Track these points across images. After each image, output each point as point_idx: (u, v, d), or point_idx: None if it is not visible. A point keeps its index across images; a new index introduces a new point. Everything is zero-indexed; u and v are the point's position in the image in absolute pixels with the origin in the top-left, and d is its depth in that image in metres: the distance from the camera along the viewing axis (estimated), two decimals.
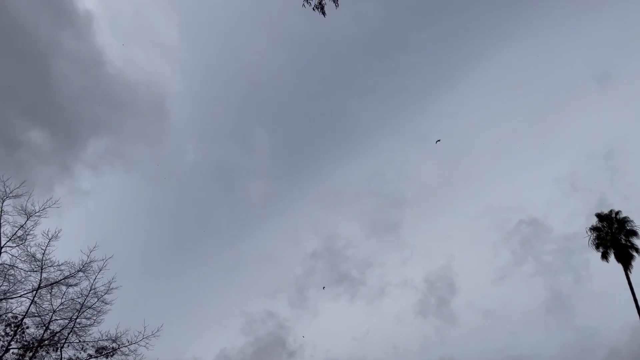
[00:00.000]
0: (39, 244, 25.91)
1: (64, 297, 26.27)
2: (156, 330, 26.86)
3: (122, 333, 26.49)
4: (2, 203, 25.35)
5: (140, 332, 26.54)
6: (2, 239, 25.32)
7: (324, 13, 18.88)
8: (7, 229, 25.54)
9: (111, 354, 26.32)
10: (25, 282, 25.68)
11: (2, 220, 25.40)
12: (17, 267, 25.58)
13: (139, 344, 26.41)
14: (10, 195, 25.46)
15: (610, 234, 61.18)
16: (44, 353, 25.74)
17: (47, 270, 25.94)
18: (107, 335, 26.40)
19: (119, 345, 26.57)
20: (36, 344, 25.38)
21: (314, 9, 18.86)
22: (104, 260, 26.69)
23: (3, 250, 25.33)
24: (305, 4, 18.71)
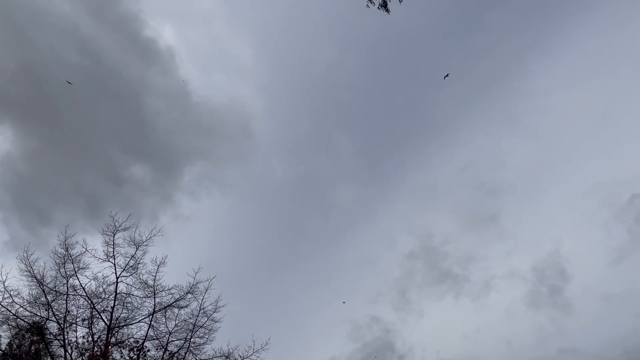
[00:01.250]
0: (149, 271, 27.74)
1: (177, 318, 27.82)
2: (265, 343, 27.64)
3: (234, 348, 27.56)
4: (114, 237, 27.44)
5: (250, 347, 27.44)
6: (117, 269, 27.35)
7: (387, 10, 18.55)
8: (121, 260, 27.56)
9: None
10: (141, 308, 27.57)
11: (115, 253, 27.47)
12: (133, 294, 27.51)
13: (250, 358, 27.30)
14: (120, 228, 27.51)
15: None
16: None
17: (160, 295, 27.65)
18: (220, 352, 27.55)
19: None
20: None
21: (378, 8, 18.60)
22: (209, 281, 28.06)
23: (119, 280, 27.31)
24: (370, 4, 18.49)
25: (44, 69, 73.37)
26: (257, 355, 27.44)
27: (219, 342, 28.12)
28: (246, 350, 27.43)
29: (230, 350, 27.46)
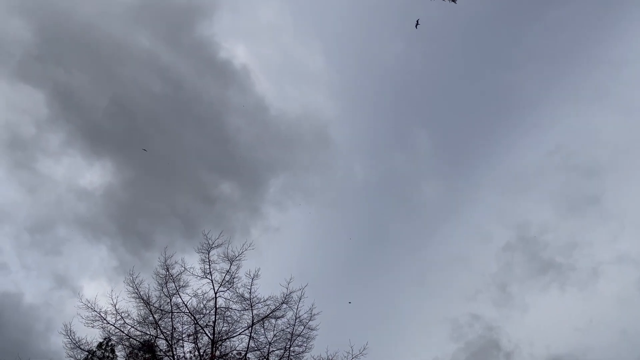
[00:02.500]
0: (244, 285, 28.68)
1: (275, 329, 28.50)
2: (363, 348, 27.63)
3: (333, 355, 27.76)
4: (209, 254, 28.66)
5: (349, 352, 27.53)
6: (215, 285, 28.53)
7: (454, 0, 18.03)
8: (217, 276, 28.72)
9: None
10: (240, 321, 28.53)
11: (211, 269, 28.68)
12: (231, 308, 28.55)
13: None
14: (214, 246, 28.70)
15: None
16: None
17: (256, 307, 28.48)
18: (319, 359, 27.87)
19: None
20: None
21: (443, 0, 18.14)
22: (301, 290, 28.53)
23: (218, 295, 28.46)
24: None
25: (132, 101, 78.63)
26: None
27: (317, 349, 28.50)
28: (345, 356, 27.60)
29: (330, 357, 27.71)
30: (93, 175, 79.01)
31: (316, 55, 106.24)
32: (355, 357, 27.43)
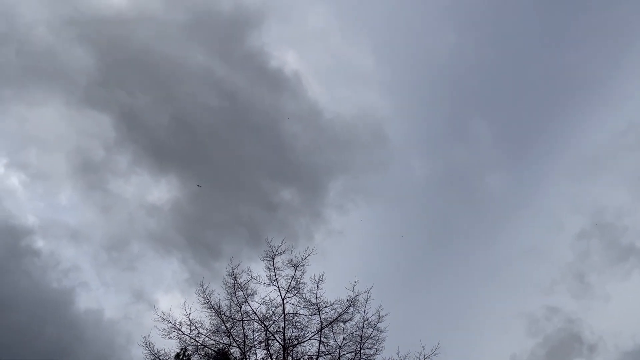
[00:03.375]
0: (310, 290, 28.93)
1: (344, 332, 28.55)
2: (434, 348, 27.19)
3: (404, 356, 27.47)
4: (273, 261, 29.16)
5: (420, 353, 27.16)
6: (282, 291, 28.97)
7: None
8: (283, 282, 29.15)
9: None
10: (309, 326, 28.81)
11: (277, 276, 29.16)
12: (299, 313, 28.88)
13: None
14: (277, 253, 29.18)
15: None
16: None
17: (324, 311, 28.66)
18: None
19: None
20: None
21: None
22: (367, 292, 28.47)
23: (285, 301, 28.88)
24: None
25: (191, 117, 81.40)
26: None
27: (388, 351, 28.29)
28: (416, 357, 27.24)
29: (401, 358, 27.46)
30: (160, 191, 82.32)
31: (366, 55, 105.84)
32: (427, 357, 27.06)
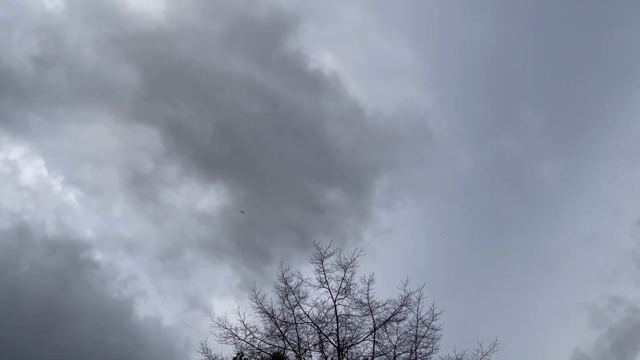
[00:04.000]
0: (361, 290, 28.86)
1: (398, 332, 28.29)
2: (492, 345, 26.54)
3: (462, 354, 26.98)
4: (322, 263, 29.24)
5: (478, 350, 26.57)
6: (333, 293, 29.00)
7: None
8: (333, 284, 29.17)
9: None
10: (362, 327, 28.71)
11: (327, 278, 29.21)
12: (351, 315, 28.83)
13: None
14: (326, 255, 29.23)
15: None
16: None
17: (376, 311, 28.52)
18: (448, 359, 27.21)
19: None
20: None
21: None
22: (419, 290, 28.15)
23: (337, 303, 28.90)
24: None
25: (234, 123, 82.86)
26: (487, 357, 26.53)
27: (444, 349, 27.86)
28: (474, 354, 26.69)
29: (458, 356, 26.98)
30: (209, 199, 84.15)
31: (404, 49, 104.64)
32: (486, 354, 26.44)
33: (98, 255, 72.48)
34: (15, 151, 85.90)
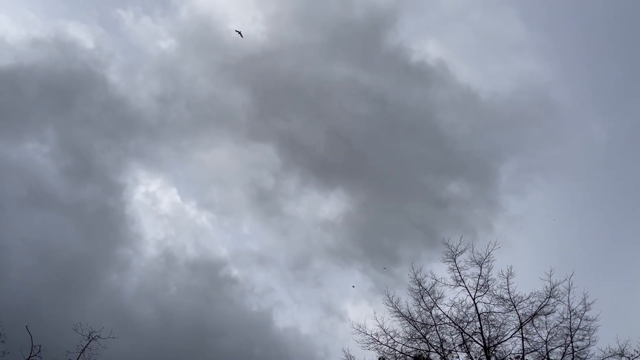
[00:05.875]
0: (500, 285, 27.56)
1: (547, 325, 26.54)
2: None
3: (624, 344, 24.69)
4: (455, 261, 28.40)
5: None
6: (470, 291, 27.97)
7: None
8: (470, 282, 28.15)
9: None
10: (507, 323, 27.31)
11: (462, 276, 28.26)
12: (493, 312, 27.55)
13: None
14: (457, 252, 28.36)
15: None
16: None
17: (520, 306, 27.04)
18: (610, 351, 25.03)
19: (628, 358, 24.73)
20: None
21: None
22: (567, 279, 26.32)
23: (476, 301, 27.81)
24: None
25: (345, 128, 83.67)
26: None
27: (604, 340, 25.63)
28: None
29: (622, 347, 24.69)
30: (330, 206, 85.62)
31: (514, 21, 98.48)
32: None
33: (235, 272, 76.99)
34: (153, 184, 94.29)
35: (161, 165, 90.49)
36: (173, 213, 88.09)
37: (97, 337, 26.31)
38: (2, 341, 25.02)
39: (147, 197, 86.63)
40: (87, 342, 26.18)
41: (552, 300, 26.42)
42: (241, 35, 59.28)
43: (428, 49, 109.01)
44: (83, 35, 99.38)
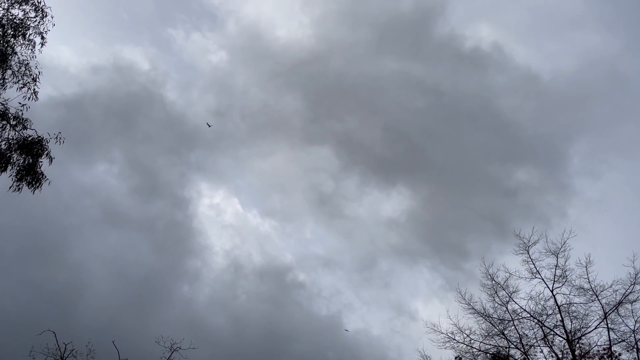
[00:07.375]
0: (579, 275, 26.39)
1: (634, 314, 25.21)
2: None
3: None
4: (528, 253, 27.45)
5: None
6: (548, 283, 26.94)
7: None
8: (546, 273, 27.07)
9: None
10: (589, 314, 26.11)
11: (537, 268, 27.26)
12: (574, 303, 26.41)
13: None
14: (530, 244, 27.36)
15: None
16: None
17: (603, 295, 25.81)
18: None
19: None
20: None
21: None
22: None
23: (555, 293, 26.74)
24: None
25: (401, 123, 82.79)
26: None
27: None
28: None
29: None
30: (393, 204, 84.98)
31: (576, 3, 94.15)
32: None
33: (301, 276, 77.86)
34: (216, 195, 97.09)
35: (222, 177, 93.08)
36: (237, 222, 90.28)
37: (178, 348, 27.45)
38: (92, 357, 26.48)
39: (211, 208, 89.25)
40: (170, 353, 27.36)
41: (638, 287, 25.07)
42: (209, 125, 62.06)
43: (481, 33, 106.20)
44: (138, 57, 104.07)
